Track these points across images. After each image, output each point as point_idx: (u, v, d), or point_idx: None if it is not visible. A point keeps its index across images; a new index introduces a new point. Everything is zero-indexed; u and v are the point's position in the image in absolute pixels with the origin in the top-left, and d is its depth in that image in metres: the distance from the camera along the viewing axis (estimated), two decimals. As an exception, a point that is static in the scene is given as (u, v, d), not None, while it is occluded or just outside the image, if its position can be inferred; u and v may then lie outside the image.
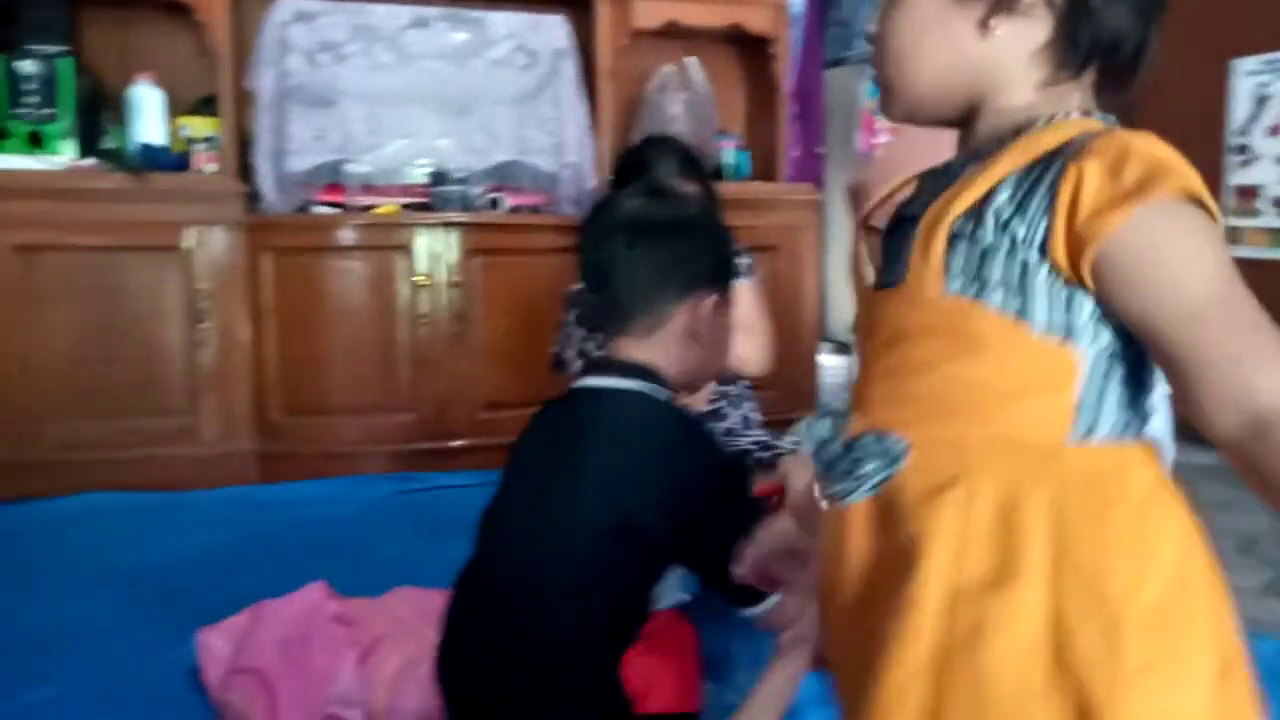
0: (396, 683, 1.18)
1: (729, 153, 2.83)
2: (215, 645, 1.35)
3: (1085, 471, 0.59)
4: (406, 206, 2.46)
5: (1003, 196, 0.59)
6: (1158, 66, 0.66)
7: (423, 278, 2.39)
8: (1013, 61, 0.63)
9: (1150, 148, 0.56)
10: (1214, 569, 0.59)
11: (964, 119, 0.67)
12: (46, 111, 2.27)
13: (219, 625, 1.38)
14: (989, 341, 0.60)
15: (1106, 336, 0.59)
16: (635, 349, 1.03)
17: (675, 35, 2.68)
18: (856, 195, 1.41)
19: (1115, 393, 0.60)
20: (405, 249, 2.39)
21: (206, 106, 2.51)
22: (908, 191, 0.69)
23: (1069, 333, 0.59)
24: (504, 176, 2.57)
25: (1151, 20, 0.64)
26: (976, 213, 0.60)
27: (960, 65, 0.64)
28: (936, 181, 0.66)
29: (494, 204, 2.53)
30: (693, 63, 2.74)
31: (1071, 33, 0.62)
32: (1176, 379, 0.55)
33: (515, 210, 2.55)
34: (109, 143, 2.40)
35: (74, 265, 2.22)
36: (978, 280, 0.59)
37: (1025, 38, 0.62)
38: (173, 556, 1.84)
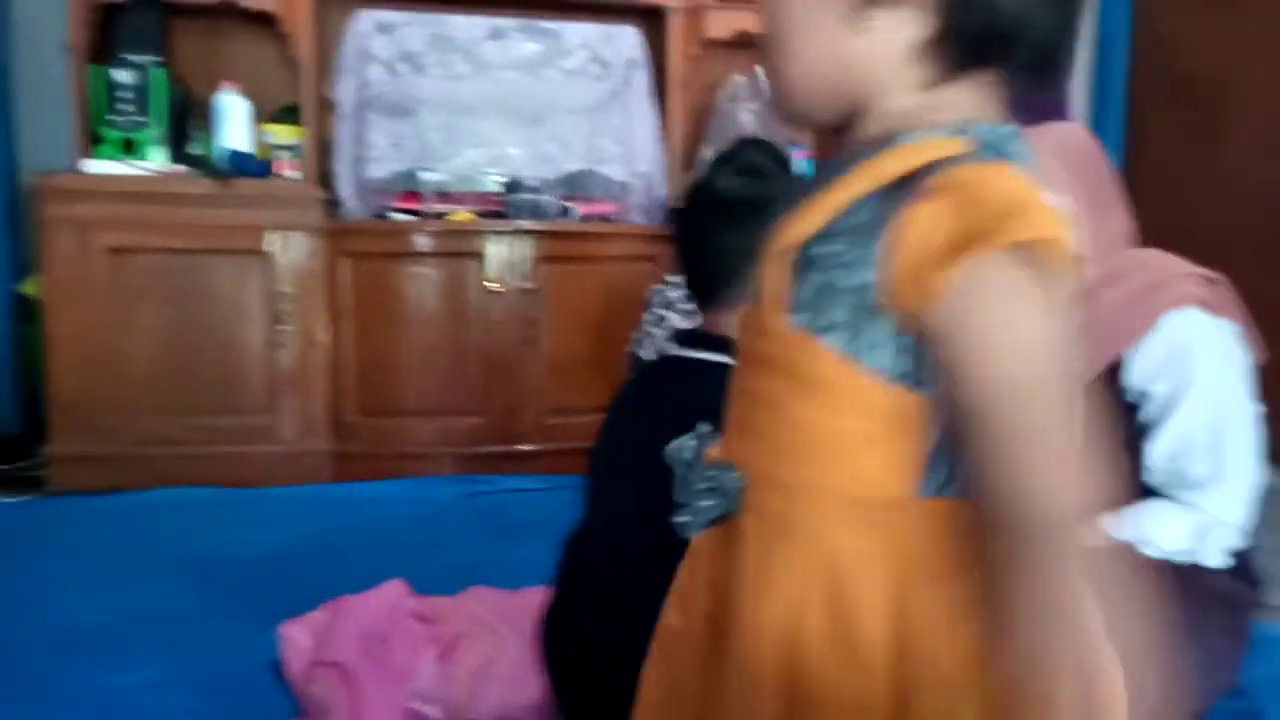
0: (476, 680, 1.20)
1: (799, 162, 2.83)
2: (297, 638, 1.38)
3: (933, 531, 0.54)
4: (480, 214, 2.50)
5: (849, 222, 0.53)
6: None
7: (494, 284, 2.43)
8: (888, 59, 0.54)
9: (994, 189, 0.49)
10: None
11: (850, 124, 0.58)
12: (139, 119, 2.35)
13: (300, 619, 1.42)
14: (828, 383, 0.54)
15: None
16: (723, 323, 1.04)
17: (746, 45, 2.69)
18: None
19: None
20: (478, 256, 2.43)
21: (289, 115, 2.58)
22: None
23: (916, 380, 0.53)
24: (575, 185, 2.60)
25: (1067, 3, 0.55)
26: (827, 235, 0.54)
27: (832, 62, 0.56)
28: (803, 187, 0.59)
29: (565, 212, 2.56)
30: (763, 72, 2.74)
31: (955, 24, 0.53)
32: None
33: (586, 219, 2.58)
34: (196, 149, 2.48)
35: (161, 267, 2.30)
36: (820, 314, 0.53)
37: (903, 31, 0.54)
38: (252, 551, 1.89)
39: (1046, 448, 0.49)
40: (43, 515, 2.11)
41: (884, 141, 0.54)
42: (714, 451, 0.62)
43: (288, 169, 2.46)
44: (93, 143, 2.34)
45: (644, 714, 0.68)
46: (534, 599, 1.38)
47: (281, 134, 2.53)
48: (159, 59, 2.42)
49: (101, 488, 2.22)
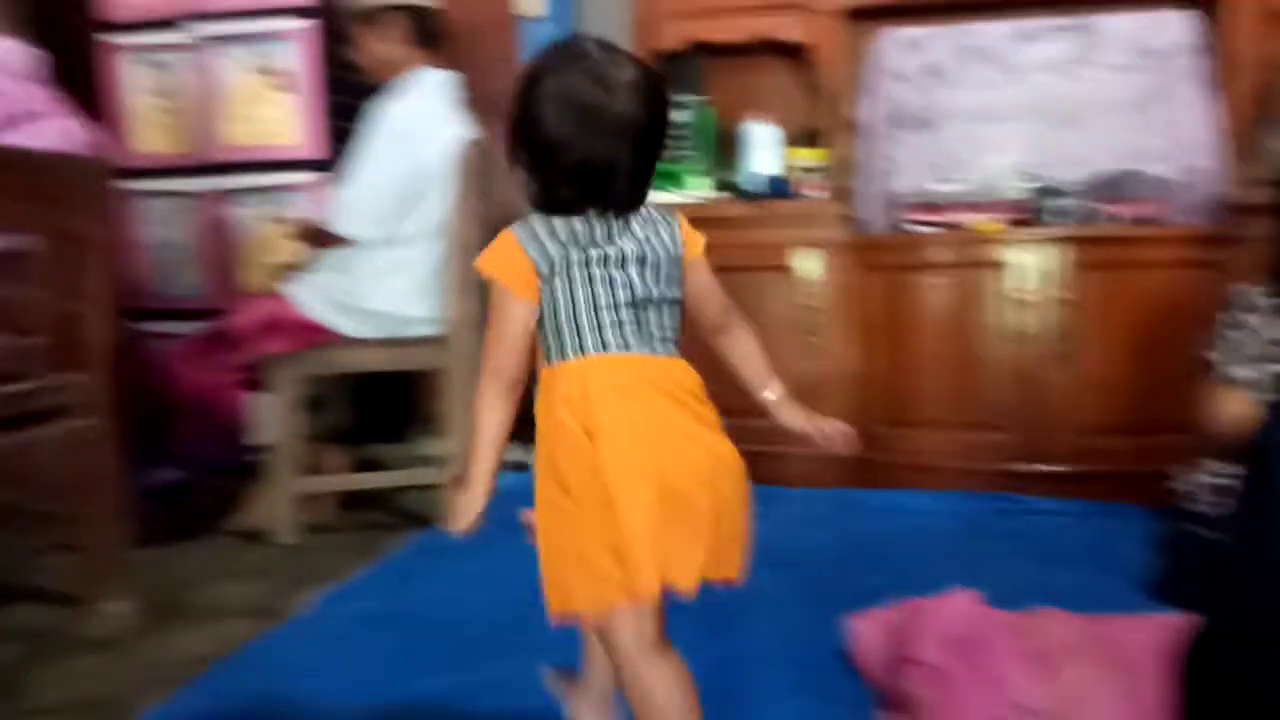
0: (1075, 703, 1.16)
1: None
2: (868, 634, 1.44)
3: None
4: (1007, 222, 2.42)
5: None
6: None
7: (1023, 294, 2.34)
8: None
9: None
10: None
11: None
12: (689, 153, 2.65)
13: (869, 615, 1.48)
14: None
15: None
16: None
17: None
18: None
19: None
20: (1004, 265, 2.36)
21: (812, 138, 2.73)
22: None
23: None
24: (1113, 187, 2.41)
25: None
26: None
27: None
28: None
29: (1100, 216, 2.38)
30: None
31: None
32: None
33: (1129, 222, 2.37)
34: (730, 177, 2.73)
35: (706, 283, 2.55)
36: None
37: None
38: (797, 545, 2.01)
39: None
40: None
41: None
42: None
43: (812, 189, 2.60)
44: (650, 175, 2.67)
45: None
46: (1119, 628, 1.31)
47: (805, 157, 2.69)
48: (706, 98, 2.70)
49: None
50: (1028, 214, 2.42)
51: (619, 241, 1.02)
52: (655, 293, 1.04)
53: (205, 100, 2.85)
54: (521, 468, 2.67)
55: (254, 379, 2.11)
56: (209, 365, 2.10)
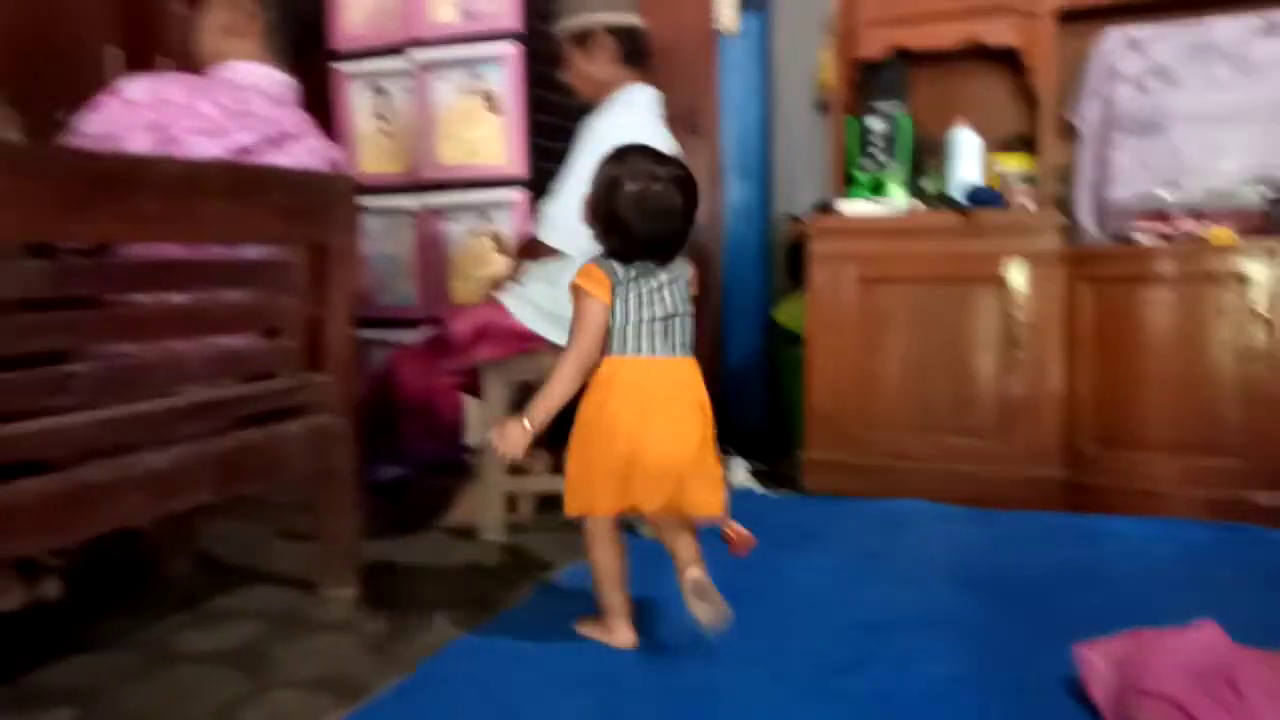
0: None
1: None
2: (1097, 663, 1.36)
3: None
4: (1243, 232, 2.24)
5: None
6: None
7: (1259, 309, 2.15)
8: None
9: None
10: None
11: None
12: (887, 161, 2.61)
13: (1097, 644, 1.39)
14: None
15: None
16: None
17: None
18: None
19: None
20: (1237, 278, 2.18)
21: (1020, 144, 2.63)
22: None
23: None
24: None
25: None
26: None
27: None
28: None
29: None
30: None
31: None
32: None
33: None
34: (930, 185, 2.66)
35: (905, 295, 2.50)
36: None
37: None
38: (1007, 569, 1.93)
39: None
40: (802, 510, 2.43)
41: None
42: None
43: (1022, 197, 2.50)
44: (846, 185, 2.65)
45: None
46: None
47: (1013, 164, 2.59)
48: (903, 106, 2.65)
49: (849, 491, 2.49)
50: (1262, 223, 2.23)
51: (661, 274, 1.54)
52: (678, 310, 1.55)
53: (421, 122, 3.05)
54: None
55: (470, 383, 2.23)
56: (429, 370, 2.23)
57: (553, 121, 3.00)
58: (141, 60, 3.23)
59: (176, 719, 1.39)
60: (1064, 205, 2.45)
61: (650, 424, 1.49)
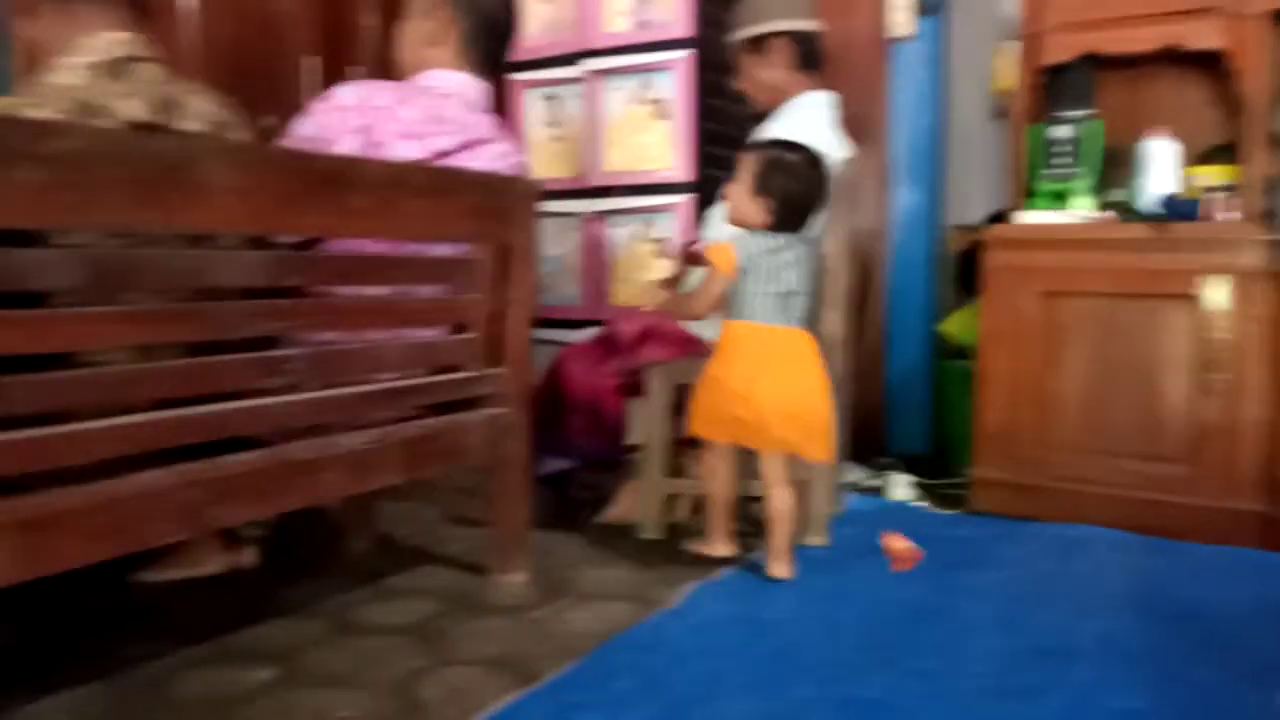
0: None
1: None
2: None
3: None
4: None
5: None
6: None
7: None
8: None
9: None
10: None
11: None
12: (1071, 171, 2.49)
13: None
14: None
15: None
16: None
17: None
18: None
19: None
20: None
21: (1219, 154, 2.46)
22: None
23: None
24: None
25: None
26: None
27: None
28: None
29: None
30: None
31: None
32: None
33: None
34: (1118, 196, 2.53)
35: (1090, 310, 2.38)
36: None
37: None
38: (1192, 601, 1.81)
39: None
40: (970, 529, 2.35)
41: None
42: None
43: (1221, 210, 2.33)
44: (1027, 195, 2.55)
45: None
46: None
47: (1211, 174, 2.43)
48: (1092, 112, 2.53)
49: (1018, 513, 2.40)
50: None
51: (787, 253, 1.92)
52: (798, 288, 1.94)
53: (591, 128, 3.13)
54: (876, 492, 2.65)
55: (634, 384, 2.27)
56: (596, 368, 2.29)
57: (720, 129, 3.03)
58: (336, 70, 3.46)
59: (363, 685, 1.48)
60: (1271, 219, 2.27)
61: (762, 377, 1.88)
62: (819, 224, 2.01)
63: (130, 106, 1.55)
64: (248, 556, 2.00)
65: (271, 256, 1.49)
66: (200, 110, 1.66)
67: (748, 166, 1.96)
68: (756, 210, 1.93)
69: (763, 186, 1.92)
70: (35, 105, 1.46)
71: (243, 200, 1.34)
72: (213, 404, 1.38)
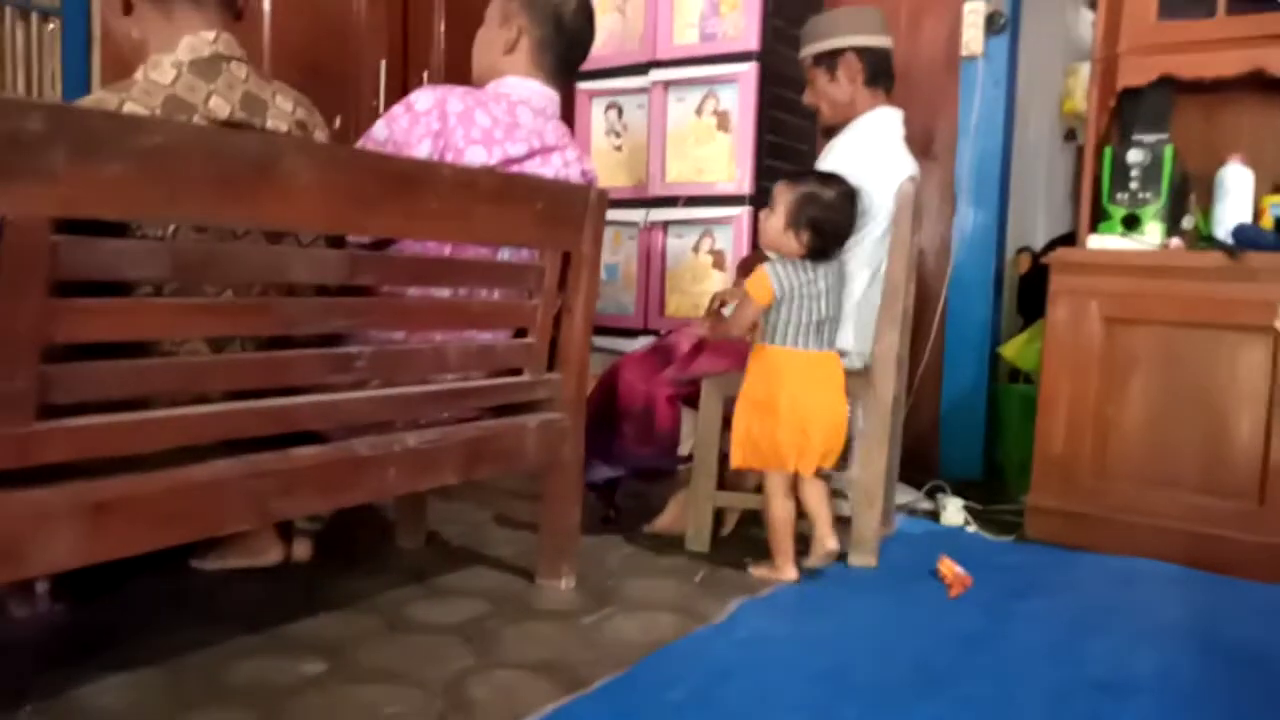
0: None
1: None
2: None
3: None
4: None
5: None
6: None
7: None
8: None
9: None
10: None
11: None
12: (1143, 195, 2.44)
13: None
14: None
15: None
16: None
17: None
18: None
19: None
20: None
21: (1299, 184, 2.40)
22: None
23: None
24: None
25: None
26: None
27: None
28: None
29: None
30: None
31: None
32: None
33: None
34: (1192, 223, 2.47)
35: (1157, 339, 2.32)
36: None
37: None
38: (1253, 644, 1.76)
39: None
40: (1024, 557, 2.31)
41: None
42: None
43: (1300, 241, 2.27)
44: (1096, 219, 2.50)
45: None
46: None
47: (1290, 204, 2.37)
48: (1166, 137, 2.48)
49: (1074, 543, 2.35)
50: None
51: (820, 283, 2.01)
52: (830, 314, 2.03)
53: (652, 139, 3.14)
54: (928, 515, 2.62)
55: (689, 394, 2.27)
56: (651, 377, 2.29)
57: (782, 142, 3.02)
58: (406, 74, 3.52)
59: (414, 681, 1.49)
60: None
61: (814, 402, 2.00)
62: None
63: (218, 104, 1.59)
64: (302, 549, 2.04)
65: (347, 255, 1.52)
66: (284, 110, 1.70)
67: (783, 198, 2.01)
68: (791, 241, 2.00)
69: (798, 219, 1.99)
70: (130, 100, 1.51)
71: (322, 199, 1.36)
72: (282, 398, 1.40)
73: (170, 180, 1.18)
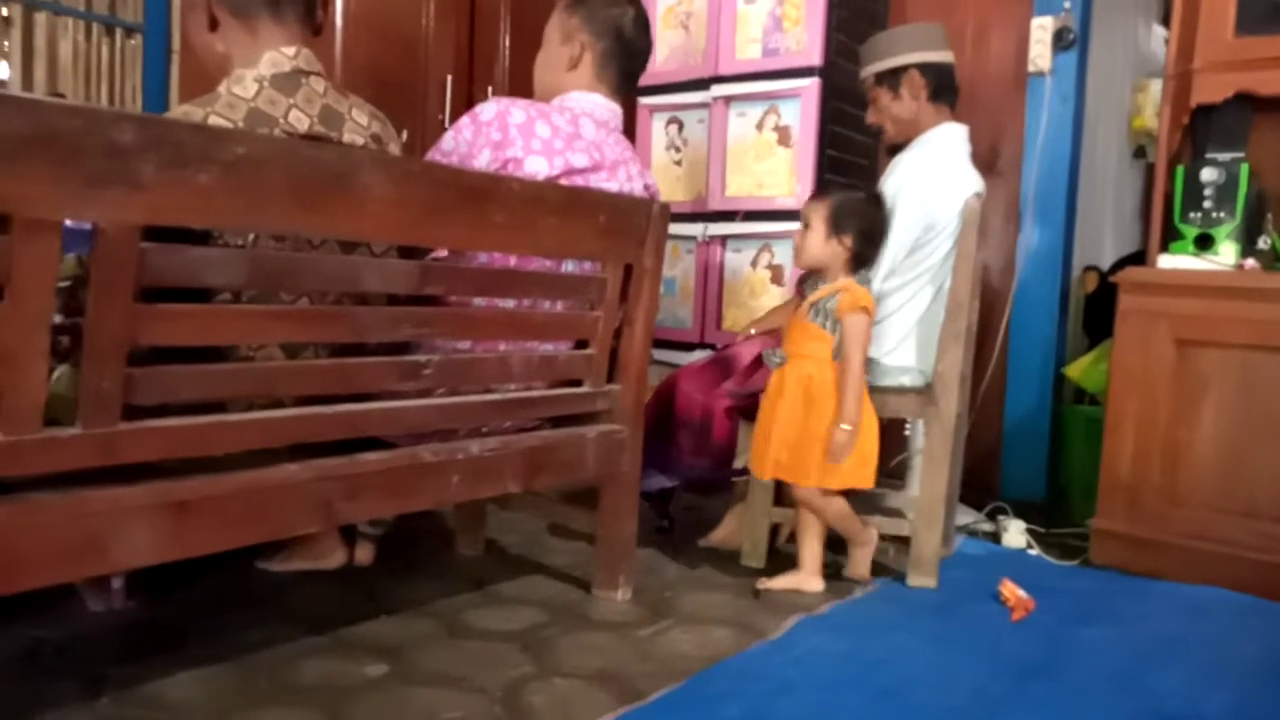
0: None
1: None
2: None
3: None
4: None
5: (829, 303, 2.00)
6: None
7: None
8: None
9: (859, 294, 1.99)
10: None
11: None
12: (1217, 215, 2.38)
13: None
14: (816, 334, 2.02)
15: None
16: None
17: None
18: None
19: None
20: None
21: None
22: None
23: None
24: None
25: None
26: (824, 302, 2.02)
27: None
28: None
29: None
30: None
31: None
32: None
33: None
34: (1267, 243, 2.41)
35: (1229, 361, 2.26)
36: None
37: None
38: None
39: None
40: (1089, 582, 2.26)
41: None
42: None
43: (1383, 263, 2.20)
44: (1167, 238, 2.44)
45: None
46: None
47: (1373, 226, 2.29)
48: (1242, 154, 2.42)
49: (1141, 569, 2.29)
50: None
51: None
52: None
53: (713, 153, 3.15)
54: (988, 536, 2.58)
55: (747, 407, 2.26)
56: (709, 390, 2.29)
57: (842, 157, 3.00)
58: (472, 90, 3.58)
59: (474, 686, 1.51)
60: None
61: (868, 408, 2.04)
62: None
63: (298, 118, 1.63)
64: (364, 553, 2.07)
65: (418, 265, 1.55)
66: (360, 123, 1.74)
67: (816, 213, 2.03)
68: (835, 248, 2.03)
69: (840, 226, 2.02)
70: (214, 113, 1.56)
71: (396, 210, 1.40)
72: (351, 404, 1.44)
73: (252, 190, 1.22)
